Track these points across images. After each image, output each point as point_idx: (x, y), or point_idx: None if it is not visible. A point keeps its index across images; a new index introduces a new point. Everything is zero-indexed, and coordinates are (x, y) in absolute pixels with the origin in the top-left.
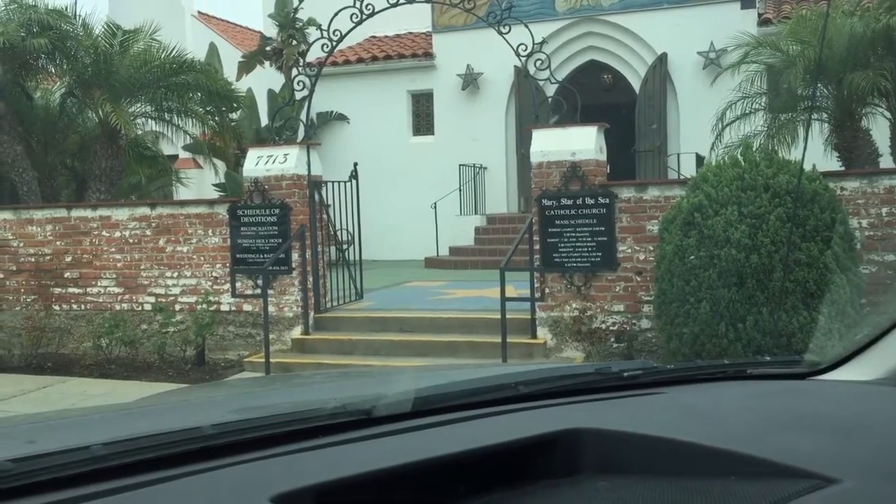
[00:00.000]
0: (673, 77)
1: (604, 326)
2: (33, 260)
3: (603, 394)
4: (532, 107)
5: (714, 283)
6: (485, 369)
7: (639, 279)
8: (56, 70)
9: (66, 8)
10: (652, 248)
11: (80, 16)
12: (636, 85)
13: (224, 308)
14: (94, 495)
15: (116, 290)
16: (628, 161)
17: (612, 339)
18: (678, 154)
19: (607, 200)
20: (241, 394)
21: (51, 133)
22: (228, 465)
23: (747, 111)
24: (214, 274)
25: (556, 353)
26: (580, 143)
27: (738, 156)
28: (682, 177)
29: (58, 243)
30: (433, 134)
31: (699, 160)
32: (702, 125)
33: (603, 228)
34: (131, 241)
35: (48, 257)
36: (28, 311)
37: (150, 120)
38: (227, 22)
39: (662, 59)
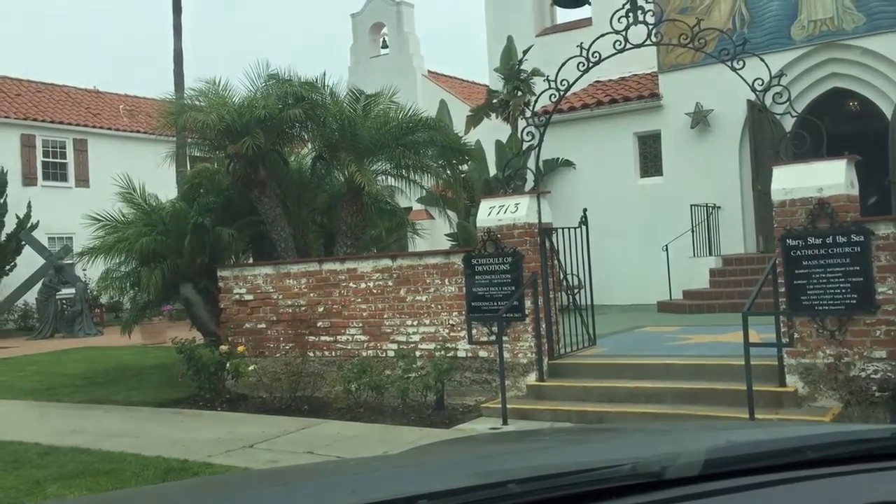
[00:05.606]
0: None
1: (863, 375)
2: (290, 310)
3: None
4: (769, 141)
5: None
6: (764, 429)
7: None
8: (308, 136)
9: (316, 79)
10: None
11: (328, 86)
12: (887, 110)
13: (461, 354)
14: None
15: (362, 337)
16: (881, 194)
17: (874, 388)
18: None
19: (862, 238)
20: (519, 450)
21: (303, 193)
22: None
23: None
24: (451, 322)
25: (809, 402)
26: (828, 177)
27: None
28: None
29: (311, 295)
30: (661, 175)
31: None
32: None
33: (858, 268)
34: (375, 291)
35: (303, 308)
36: (287, 358)
37: (388, 176)
38: (455, 78)
39: None
